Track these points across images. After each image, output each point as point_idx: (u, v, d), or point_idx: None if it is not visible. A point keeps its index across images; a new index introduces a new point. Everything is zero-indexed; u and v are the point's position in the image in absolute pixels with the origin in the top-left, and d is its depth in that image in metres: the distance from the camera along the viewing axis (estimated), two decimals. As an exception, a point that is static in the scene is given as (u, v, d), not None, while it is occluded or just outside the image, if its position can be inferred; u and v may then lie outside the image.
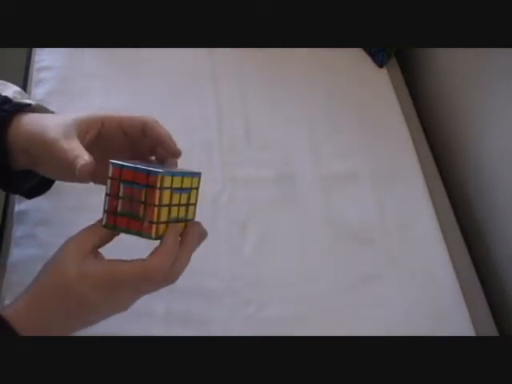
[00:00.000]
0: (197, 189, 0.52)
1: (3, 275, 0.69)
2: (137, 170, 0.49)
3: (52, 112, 0.61)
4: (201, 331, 0.69)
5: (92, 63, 0.94)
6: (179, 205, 0.51)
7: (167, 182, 0.48)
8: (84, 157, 0.49)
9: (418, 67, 1.08)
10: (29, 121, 0.55)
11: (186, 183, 0.51)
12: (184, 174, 0.50)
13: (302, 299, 0.74)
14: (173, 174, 0.49)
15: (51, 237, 0.72)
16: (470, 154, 0.93)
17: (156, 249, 0.49)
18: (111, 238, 0.52)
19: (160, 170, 0.48)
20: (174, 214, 0.50)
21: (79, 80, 0.91)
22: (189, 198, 0.52)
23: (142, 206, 0.49)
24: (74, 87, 0.90)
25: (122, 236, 0.52)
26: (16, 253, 0.71)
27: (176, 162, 0.56)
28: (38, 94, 0.88)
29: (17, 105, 0.57)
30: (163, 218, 0.49)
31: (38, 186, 0.64)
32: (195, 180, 0.52)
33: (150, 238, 0.49)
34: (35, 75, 0.90)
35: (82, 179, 0.50)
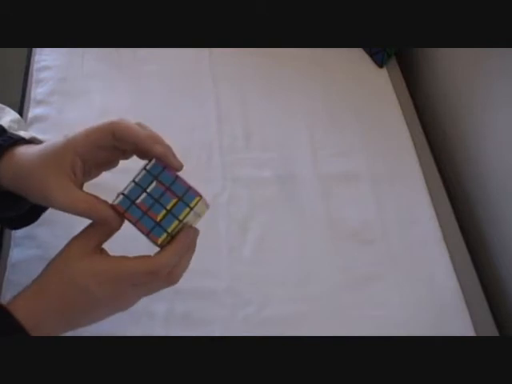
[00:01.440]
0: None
1: (3, 275, 0.69)
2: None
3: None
4: (201, 331, 0.69)
5: (92, 63, 0.94)
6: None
7: (169, 235, 0.50)
8: (113, 215, 0.51)
9: (418, 67, 1.08)
10: (18, 162, 0.53)
11: (185, 215, 0.51)
12: (179, 214, 0.50)
13: (302, 299, 0.74)
14: (171, 233, 0.50)
15: (51, 237, 0.72)
16: (470, 154, 0.93)
17: (166, 247, 0.51)
18: (114, 233, 0.52)
19: (159, 233, 0.50)
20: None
21: (79, 80, 0.91)
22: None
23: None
24: (74, 87, 0.90)
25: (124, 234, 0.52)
26: (16, 253, 0.71)
27: (172, 158, 0.53)
28: (38, 94, 0.88)
29: (10, 138, 0.55)
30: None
31: (23, 216, 0.63)
32: (200, 207, 0.51)
33: (154, 244, 0.51)
34: (35, 75, 0.90)
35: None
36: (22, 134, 0.58)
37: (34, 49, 0.95)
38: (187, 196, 0.50)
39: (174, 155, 0.53)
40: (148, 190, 0.50)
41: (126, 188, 0.51)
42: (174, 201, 0.50)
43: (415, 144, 0.95)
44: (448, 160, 0.98)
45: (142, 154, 0.53)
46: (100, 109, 0.88)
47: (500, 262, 0.85)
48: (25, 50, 0.98)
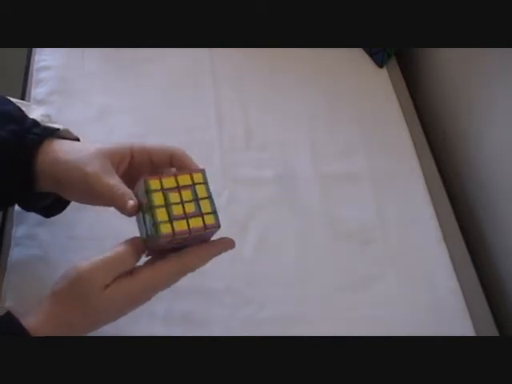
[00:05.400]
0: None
1: (3, 275, 0.69)
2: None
3: (76, 137, 0.62)
4: (201, 331, 0.69)
5: (92, 63, 0.93)
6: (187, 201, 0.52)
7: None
8: (131, 196, 0.52)
9: (418, 67, 1.08)
10: (60, 149, 0.56)
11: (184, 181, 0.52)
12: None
13: (302, 299, 0.74)
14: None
15: (51, 237, 0.72)
16: (470, 153, 0.93)
17: (199, 249, 0.53)
18: (133, 266, 0.53)
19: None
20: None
21: (79, 80, 0.91)
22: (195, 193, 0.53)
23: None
24: (74, 87, 0.90)
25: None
26: (16, 253, 0.71)
27: None
28: (38, 93, 0.88)
29: (46, 129, 0.57)
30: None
31: (53, 204, 0.65)
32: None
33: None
34: (35, 75, 0.90)
35: (129, 216, 0.52)
36: (56, 125, 0.59)
37: (33, 49, 0.95)
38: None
39: None
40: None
41: None
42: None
43: (415, 144, 0.95)
44: (448, 160, 0.98)
45: None
46: (100, 109, 0.88)
47: (500, 262, 0.85)
48: (25, 49, 0.98)
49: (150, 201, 0.50)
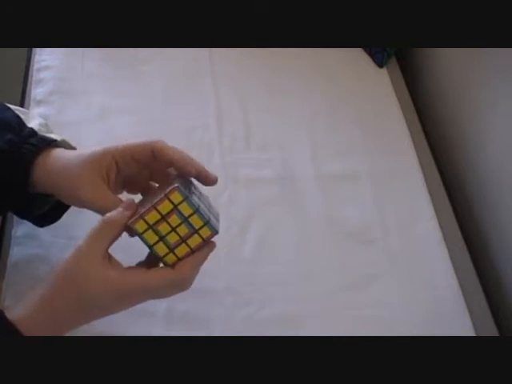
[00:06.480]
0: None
1: (3, 275, 0.69)
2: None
3: (74, 147, 0.62)
4: (201, 331, 0.69)
5: (92, 63, 0.94)
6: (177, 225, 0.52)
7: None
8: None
9: (418, 67, 1.08)
10: (55, 163, 0.56)
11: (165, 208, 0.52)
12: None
13: (302, 299, 0.74)
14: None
15: (52, 237, 0.72)
16: (470, 153, 0.93)
17: (188, 259, 0.53)
18: (119, 235, 0.53)
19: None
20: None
21: (79, 80, 0.91)
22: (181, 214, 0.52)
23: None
24: (74, 87, 0.90)
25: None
26: (16, 253, 0.71)
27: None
28: (37, 94, 0.88)
29: (43, 140, 0.58)
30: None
31: (49, 212, 0.65)
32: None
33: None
34: (35, 75, 0.90)
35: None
36: (53, 136, 0.59)
37: (33, 49, 0.95)
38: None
39: (207, 171, 0.55)
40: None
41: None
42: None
43: (415, 144, 0.95)
44: (448, 160, 0.98)
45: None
46: (100, 109, 0.88)
47: (500, 262, 0.85)
48: (25, 49, 0.98)
49: (144, 242, 0.51)
